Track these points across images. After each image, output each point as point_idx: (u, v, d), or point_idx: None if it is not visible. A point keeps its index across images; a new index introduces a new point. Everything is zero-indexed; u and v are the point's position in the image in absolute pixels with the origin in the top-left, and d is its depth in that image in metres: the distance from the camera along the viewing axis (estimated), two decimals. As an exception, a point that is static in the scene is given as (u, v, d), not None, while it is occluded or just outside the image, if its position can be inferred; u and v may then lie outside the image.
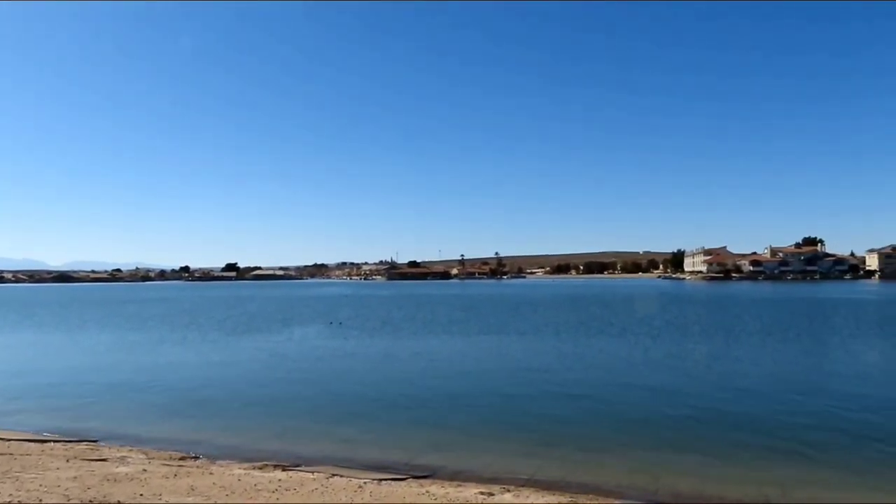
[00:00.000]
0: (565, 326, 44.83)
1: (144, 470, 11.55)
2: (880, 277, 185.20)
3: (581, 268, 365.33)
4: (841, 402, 18.79)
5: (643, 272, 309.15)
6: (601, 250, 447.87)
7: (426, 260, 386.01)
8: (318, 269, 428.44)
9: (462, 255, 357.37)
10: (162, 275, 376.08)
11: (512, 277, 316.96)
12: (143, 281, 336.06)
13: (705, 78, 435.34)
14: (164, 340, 38.45)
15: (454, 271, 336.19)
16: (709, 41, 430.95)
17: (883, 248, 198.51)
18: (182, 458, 13.25)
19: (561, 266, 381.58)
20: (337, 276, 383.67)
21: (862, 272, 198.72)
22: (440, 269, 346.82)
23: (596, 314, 57.58)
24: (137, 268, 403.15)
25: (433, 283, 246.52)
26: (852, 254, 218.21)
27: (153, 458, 13.07)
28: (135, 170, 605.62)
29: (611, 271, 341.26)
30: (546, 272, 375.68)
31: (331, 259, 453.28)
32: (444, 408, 18.87)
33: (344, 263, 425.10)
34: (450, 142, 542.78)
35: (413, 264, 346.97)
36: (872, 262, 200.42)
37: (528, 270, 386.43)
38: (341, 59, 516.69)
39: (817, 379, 23.60)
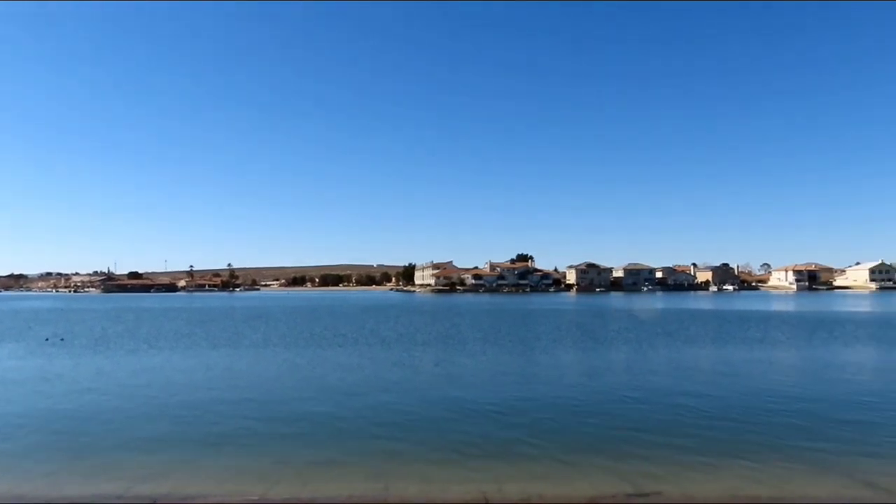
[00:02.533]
0: (298, 338, 44.20)
1: None
2: (577, 290, 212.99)
3: (317, 280, 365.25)
4: (548, 401, 21.19)
5: (377, 285, 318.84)
6: (337, 263, 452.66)
7: (150, 271, 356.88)
8: (15, 281, 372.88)
9: (191, 266, 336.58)
10: None
11: (245, 290, 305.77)
12: None
13: (432, 87, 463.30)
14: None
15: (181, 283, 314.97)
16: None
17: (578, 265, 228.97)
18: None
19: (296, 278, 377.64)
20: (40, 289, 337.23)
21: (563, 285, 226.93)
22: (166, 280, 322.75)
23: (330, 325, 57.71)
24: None
25: (158, 295, 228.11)
26: (556, 269, 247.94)
27: None
28: None
29: (346, 283, 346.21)
30: (281, 284, 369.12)
31: (32, 269, 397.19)
32: (163, 429, 17.30)
33: (49, 274, 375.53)
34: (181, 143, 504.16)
35: (134, 275, 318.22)
36: (571, 277, 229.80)
37: (263, 283, 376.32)
38: None
39: (527, 380, 26.01)
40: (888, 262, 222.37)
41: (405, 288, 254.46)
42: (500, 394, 22.20)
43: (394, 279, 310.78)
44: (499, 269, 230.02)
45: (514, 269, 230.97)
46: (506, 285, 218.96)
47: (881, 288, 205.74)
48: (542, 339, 43.13)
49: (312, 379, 26.08)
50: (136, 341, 43.28)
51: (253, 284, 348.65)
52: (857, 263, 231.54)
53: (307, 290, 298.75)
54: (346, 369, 28.80)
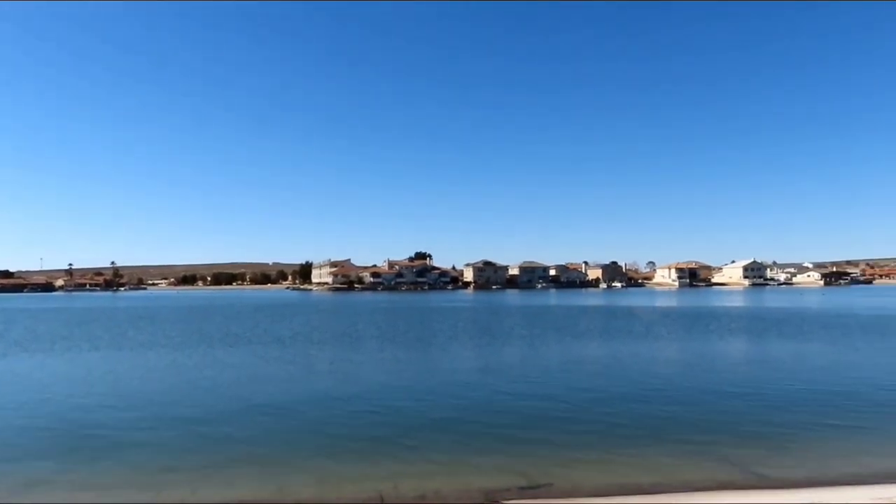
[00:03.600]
0: (187, 339, 42.46)
1: None
2: (474, 288, 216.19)
3: (208, 279, 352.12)
4: (443, 398, 21.33)
5: (272, 283, 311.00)
6: (230, 261, 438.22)
7: (24, 270, 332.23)
8: None
9: (70, 265, 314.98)
10: None
11: (131, 289, 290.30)
12: None
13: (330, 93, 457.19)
14: None
15: (59, 282, 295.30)
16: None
17: (476, 263, 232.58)
18: None
19: (187, 277, 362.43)
20: None
21: (461, 283, 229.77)
22: (41, 279, 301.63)
23: (222, 325, 55.79)
24: None
25: (32, 295, 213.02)
26: (454, 267, 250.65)
27: None
28: None
29: (240, 282, 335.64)
30: (170, 283, 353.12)
31: None
32: (33, 439, 16.14)
33: None
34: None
35: (4, 274, 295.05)
36: (469, 275, 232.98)
37: (150, 282, 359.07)
38: None
39: (422, 377, 26.11)
40: (759, 261, 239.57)
41: (302, 286, 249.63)
42: (394, 391, 22.18)
43: (290, 277, 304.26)
44: (397, 266, 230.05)
45: (412, 266, 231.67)
46: (404, 283, 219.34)
47: (753, 284, 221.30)
48: (438, 336, 43.47)
49: (201, 381, 25.07)
50: (4, 344, 40.23)
51: (139, 283, 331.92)
52: (733, 262, 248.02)
53: (198, 290, 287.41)
54: (237, 369, 27.94)
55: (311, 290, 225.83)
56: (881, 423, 16.95)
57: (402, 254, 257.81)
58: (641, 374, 25.78)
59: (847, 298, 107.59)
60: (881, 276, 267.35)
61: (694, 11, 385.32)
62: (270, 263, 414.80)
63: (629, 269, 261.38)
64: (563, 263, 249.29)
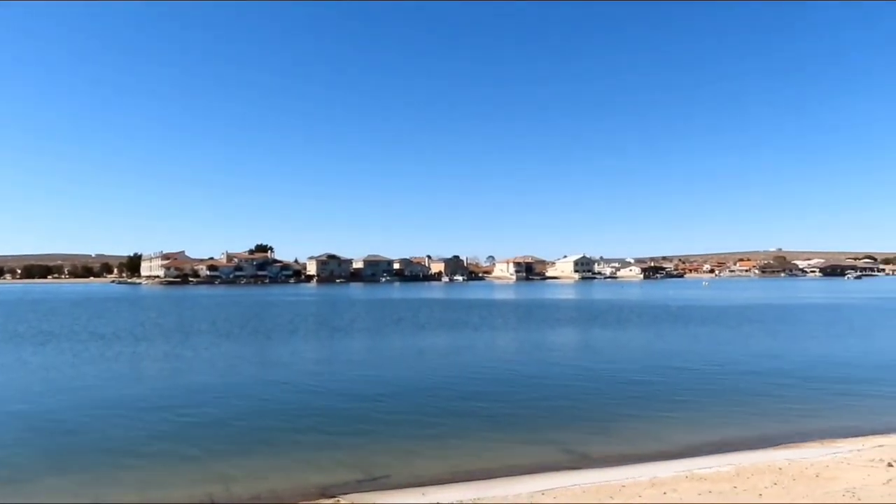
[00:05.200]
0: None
1: None
2: (318, 281, 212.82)
3: (18, 272, 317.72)
4: (278, 393, 20.85)
5: (96, 276, 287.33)
6: (45, 252, 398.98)
7: None
8: None
9: None
10: None
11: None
12: None
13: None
14: None
15: None
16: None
17: (319, 256, 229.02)
18: None
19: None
20: None
21: (304, 276, 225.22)
22: None
23: (33, 322, 50.64)
24: None
25: None
26: (296, 260, 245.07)
27: None
28: None
29: (57, 275, 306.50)
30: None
31: None
32: None
33: None
34: None
35: None
36: (312, 268, 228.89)
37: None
38: None
39: (259, 372, 25.35)
40: (588, 256, 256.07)
41: (130, 280, 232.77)
42: (228, 388, 21.33)
43: (116, 270, 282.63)
44: (236, 259, 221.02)
45: (252, 259, 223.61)
46: (244, 277, 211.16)
47: (582, 278, 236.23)
48: (278, 330, 42.40)
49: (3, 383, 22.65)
50: None
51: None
52: (565, 256, 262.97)
53: (6, 283, 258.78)
54: (49, 369, 25.53)
55: (140, 283, 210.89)
56: (687, 403, 18.71)
57: (241, 246, 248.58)
58: (476, 364, 26.65)
59: (661, 291, 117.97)
60: (690, 270, 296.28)
61: None
62: (94, 255, 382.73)
63: (470, 264, 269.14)
64: (408, 257, 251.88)
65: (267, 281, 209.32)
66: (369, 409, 18.26)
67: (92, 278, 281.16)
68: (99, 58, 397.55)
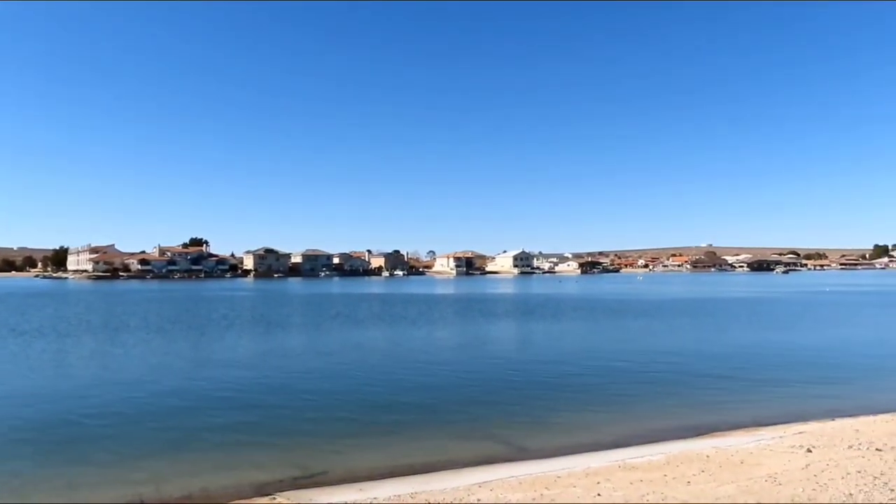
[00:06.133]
0: None
1: None
2: (255, 276, 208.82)
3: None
4: (210, 391, 20.34)
5: (18, 271, 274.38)
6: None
7: None
8: None
9: None
10: None
11: None
12: None
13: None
14: None
15: None
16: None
17: (257, 250, 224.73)
18: None
19: None
20: None
21: (240, 271, 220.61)
22: None
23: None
24: None
25: None
26: (233, 255, 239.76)
27: None
28: None
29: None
30: None
31: None
32: None
33: None
34: None
35: None
36: (249, 262, 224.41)
37: None
38: None
39: (190, 369, 24.67)
40: (527, 251, 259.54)
41: (55, 275, 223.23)
42: (159, 385, 20.74)
43: (40, 265, 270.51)
44: (169, 253, 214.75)
45: (186, 253, 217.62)
46: (177, 271, 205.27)
47: (522, 272, 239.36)
48: (212, 325, 41.46)
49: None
50: None
51: None
52: (504, 252, 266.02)
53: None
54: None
55: (66, 278, 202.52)
56: (621, 395, 19.18)
57: (176, 240, 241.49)
58: (414, 359, 26.69)
59: (598, 285, 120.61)
60: (626, 265, 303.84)
61: None
62: (15, 249, 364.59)
63: (411, 258, 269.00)
64: (347, 252, 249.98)
65: (202, 276, 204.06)
66: (306, 405, 18.04)
67: (14, 273, 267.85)
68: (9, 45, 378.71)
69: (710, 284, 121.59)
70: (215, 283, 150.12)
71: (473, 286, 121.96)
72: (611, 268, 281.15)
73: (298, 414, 16.91)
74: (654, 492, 9.77)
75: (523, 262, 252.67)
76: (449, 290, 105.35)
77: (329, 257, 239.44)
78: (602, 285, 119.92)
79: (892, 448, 11.57)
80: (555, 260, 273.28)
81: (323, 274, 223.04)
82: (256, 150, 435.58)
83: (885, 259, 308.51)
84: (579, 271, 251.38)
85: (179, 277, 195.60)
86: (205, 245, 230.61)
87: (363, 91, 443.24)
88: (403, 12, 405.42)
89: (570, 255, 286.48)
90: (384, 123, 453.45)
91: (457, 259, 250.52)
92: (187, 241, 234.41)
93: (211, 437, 14.65)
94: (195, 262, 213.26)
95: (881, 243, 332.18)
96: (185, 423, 15.86)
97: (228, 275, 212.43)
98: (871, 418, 15.33)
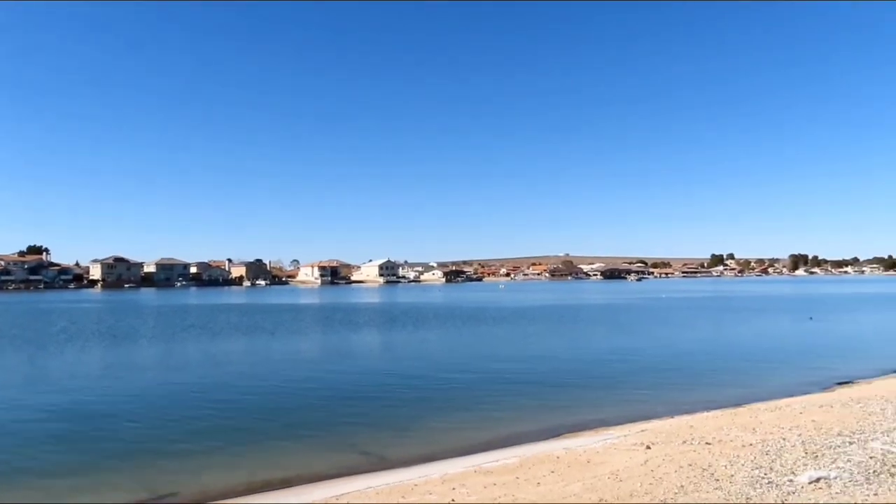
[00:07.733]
0: None
1: None
2: (103, 286, 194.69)
3: None
4: (49, 409, 18.74)
5: None
6: None
7: None
8: None
9: None
10: None
11: None
12: None
13: None
14: None
15: None
16: None
17: (105, 259, 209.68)
18: None
19: None
20: None
21: (86, 281, 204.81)
22: None
23: None
24: None
25: None
26: (77, 264, 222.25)
27: None
28: None
29: None
30: None
31: None
32: None
33: None
34: None
35: None
36: (96, 272, 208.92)
37: None
38: None
39: (24, 387, 22.69)
40: (393, 260, 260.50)
41: None
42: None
43: None
44: (3, 262, 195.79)
45: (23, 262, 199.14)
46: (12, 282, 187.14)
47: (387, 282, 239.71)
48: (48, 340, 38.25)
49: None
50: None
51: None
52: (370, 261, 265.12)
53: None
54: None
55: None
56: (481, 401, 19.69)
57: (11, 248, 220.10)
58: (272, 371, 26.12)
59: (461, 294, 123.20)
60: (489, 274, 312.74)
61: None
62: None
63: (274, 268, 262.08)
64: (206, 261, 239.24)
65: (41, 286, 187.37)
66: (155, 422, 17.08)
67: None
68: None
69: (568, 292, 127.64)
70: (56, 295, 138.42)
71: (338, 295, 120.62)
72: (474, 277, 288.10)
73: (145, 432, 16.02)
74: (505, 494, 10.10)
75: (389, 271, 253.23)
76: (313, 299, 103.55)
77: (186, 266, 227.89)
78: (466, 294, 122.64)
79: (720, 441, 12.63)
80: (420, 269, 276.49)
81: (179, 284, 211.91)
82: (103, 147, 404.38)
83: (721, 267, 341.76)
84: (444, 280, 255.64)
85: (15, 288, 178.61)
86: (45, 253, 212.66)
87: (230, 93, 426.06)
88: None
89: (435, 265, 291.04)
90: (246, 129, 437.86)
91: (322, 268, 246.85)
92: (24, 248, 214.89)
93: (45, 462, 13.54)
94: (33, 272, 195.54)
95: (717, 253, 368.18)
96: (12, 445, 14.51)
97: (73, 285, 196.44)
98: (704, 414, 16.71)
